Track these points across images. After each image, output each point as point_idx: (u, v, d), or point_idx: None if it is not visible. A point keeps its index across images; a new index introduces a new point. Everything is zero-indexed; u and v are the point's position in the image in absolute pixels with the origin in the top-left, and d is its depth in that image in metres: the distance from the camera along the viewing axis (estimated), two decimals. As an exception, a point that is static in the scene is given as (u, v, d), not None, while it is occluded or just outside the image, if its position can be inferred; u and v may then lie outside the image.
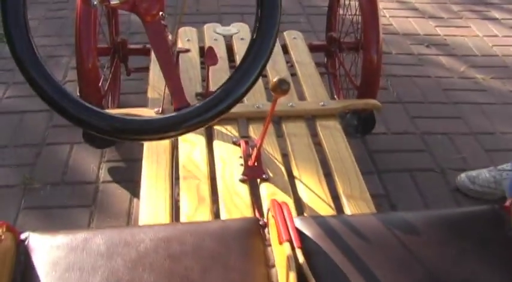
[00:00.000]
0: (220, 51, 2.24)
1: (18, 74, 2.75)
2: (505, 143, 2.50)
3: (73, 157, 2.31)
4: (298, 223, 1.19)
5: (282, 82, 1.30)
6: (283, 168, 1.68)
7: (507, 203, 1.25)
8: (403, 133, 2.54)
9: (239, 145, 1.74)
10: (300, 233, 1.14)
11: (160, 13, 1.22)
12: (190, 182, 1.62)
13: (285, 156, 1.75)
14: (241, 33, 2.42)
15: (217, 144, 1.77)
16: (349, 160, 1.74)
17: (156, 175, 1.64)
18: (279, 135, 1.85)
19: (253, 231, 1.20)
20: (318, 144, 1.82)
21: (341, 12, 2.54)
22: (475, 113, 2.71)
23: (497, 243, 1.19)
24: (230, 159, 1.70)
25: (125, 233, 1.18)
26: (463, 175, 2.23)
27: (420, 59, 3.14)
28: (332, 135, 1.85)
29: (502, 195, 2.14)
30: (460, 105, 2.76)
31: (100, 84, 2.11)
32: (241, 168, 1.65)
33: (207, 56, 1.81)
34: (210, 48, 1.82)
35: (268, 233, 1.20)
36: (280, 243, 1.08)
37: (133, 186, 2.10)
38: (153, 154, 1.72)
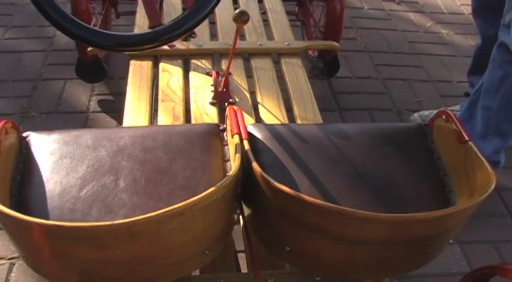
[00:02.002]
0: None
1: (16, 18, 3.05)
2: (460, 90, 2.75)
3: (66, 91, 2.56)
4: (251, 128, 1.44)
5: (242, 13, 1.54)
6: (248, 95, 1.94)
7: (430, 121, 1.50)
8: (366, 78, 2.80)
9: (211, 75, 1.99)
10: (250, 135, 1.40)
11: None
12: (167, 104, 1.87)
13: (251, 85, 2.00)
14: (221, -18, 2.65)
15: (192, 74, 2.02)
16: (307, 91, 1.99)
17: (138, 97, 1.89)
18: (248, 69, 2.09)
19: (214, 133, 1.45)
20: (281, 78, 2.07)
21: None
22: (436, 63, 2.97)
23: (418, 151, 1.44)
24: (203, 86, 1.95)
25: (108, 132, 1.44)
26: (415, 114, 2.49)
27: (390, 14, 3.39)
28: (294, 70, 2.10)
29: None
30: (422, 56, 3.01)
31: (92, 24, 2.35)
32: (212, 94, 1.91)
33: None
34: None
35: (226, 135, 1.46)
36: (232, 136, 1.34)
37: (119, 116, 2.34)
38: (136, 81, 1.97)
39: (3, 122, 1.32)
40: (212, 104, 1.87)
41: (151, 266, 1.15)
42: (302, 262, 1.26)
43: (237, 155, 1.24)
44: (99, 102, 2.50)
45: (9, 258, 1.87)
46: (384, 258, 1.21)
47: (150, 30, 1.45)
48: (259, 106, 1.89)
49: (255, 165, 1.21)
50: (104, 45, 1.44)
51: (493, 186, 1.18)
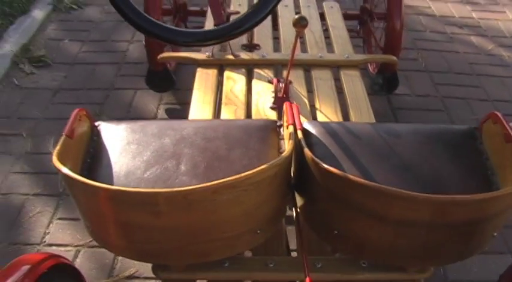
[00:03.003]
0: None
1: (92, 34, 3.26)
2: (518, 112, 2.78)
3: (136, 99, 2.72)
4: (306, 125, 1.53)
5: (301, 18, 1.63)
6: (307, 102, 2.03)
7: (480, 124, 1.56)
8: (425, 96, 2.85)
9: (273, 83, 2.10)
10: (305, 130, 1.48)
11: None
12: (229, 107, 1.99)
13: (310, 93, 2.09)
14: (285, 1, 2.78)
15: (255, 82, 2.13)
16: (364, 101, 2.06)
17: (203, 100, 2.01)
18: (308, 79, 2.19)
19: (271, 128, 1.54)
20: (339, 88, 2.16)
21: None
22: (496, 84, 2.99)
23: (466, 151, 1.50)
24: (264, 93, 2.06)
25: (173, 123, 1.56)
26: None
27: (452, 38, 3.44)
28: (352, 81, 2.18)
29: None
30: (482, 77, 3.05)
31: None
32: (272, 100, 2.01)
33: None
34: None
35: (282, 130, 1.55)
36: (287, 127, 1.43)
37: (185, 123, 2.49)
38: (202, 86, 2.10)
39: (77, 110, 1.45)
40: (272, 108, 1.97)
41: (205, 240, 1.24)
42: (349, 246, 1.33)
43: (290, 141, 1.33)
44: (166, 110, 2.65)
45: (75, 246, 2.00)
46: (429, 244, 1.26)
47: (215, 28, 1.56)
48: (317, 112, 1.98)
49: (306, 151, 1.29)
50: (172, 40, 1.56)
51: None
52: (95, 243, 1.96)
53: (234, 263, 1.45)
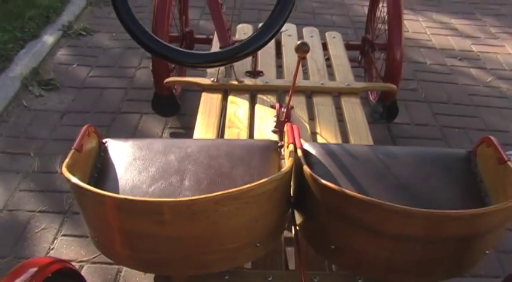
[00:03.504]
0: (270, 42, 2.68)
1: (100, 59, 3.35)
2: (516, 141, 2.84)
3: (142, 123, 2.79)
4: (306, 146, 1.59)
5: (303, 44, 1.70)
6: (308, 126, 2.09)
7: (474, 148, 1.62)
8: (424, 125, 2.92)
9: (275, 108, 2.16)
10: (304, 150, 1.54)
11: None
12: (232, 130, 2.05)
13: (311, 119, 2.16)
14: (289, 31, 2.86)
15: (258, 107, 2.20)
16: (363, 126, 2.12)
17: (207, 123, 2.08)
18: (309, 105, 2.26)
19: (272, 148, 1.61)
20: (340, 115, 2.22)
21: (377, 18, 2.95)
22: (494, 114, 3.06)
23: (461, 174, 1.55)
24: (267, 117, 2.12)
25: (178, 141, 1.62)
26: None
27: (451, 70, 3.52)
28: (352, 107, 2.25)
29: None
30: (480, 108, 3.11)
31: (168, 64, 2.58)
32: (274, 124, 2.07)
33: None
34: None
35: (283, 151, 1.61)
36: (287, 146, 1.49)
37: (189, 146, 2.55)
38: (206, 110, 2.16)
39: (87, 126, 1.51)
40: (274, 132, 2.03)
41: (206, 251, 1.30)
42: (345, 260, 1.38)
43: (290, 158, 1.39)
44: (171, 134, 2.71)
45: (79, 261, 2.04)
46: (423, 259, 1.32)
47: (221, 50, 1.64)
48: (318, 136, 2.04)
49: (305, 168, 1.35)
50: (181, 62, 1.64)
51: None
52: (98, 259, 2.03)
53: (234, 276, 1.50)
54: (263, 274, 1.53)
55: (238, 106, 2.20)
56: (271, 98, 2.26)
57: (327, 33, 2.89)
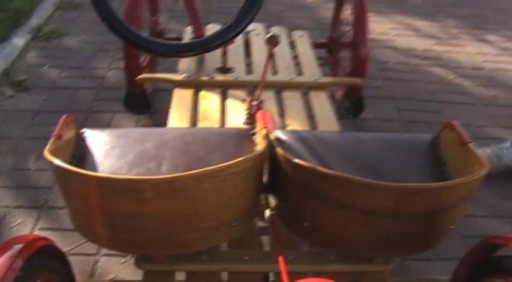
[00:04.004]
0: (239, 41, 2.75)
1: (71, 61, 3.37)
2: (479, 133, 2.94)
3: (114, 122, 2.83)
4: (278, 132, 1.66)
5: (273, 36, 1.77)
6: (278, 118, 2.16)
7: (438, 133, 1.70)
8: (390, 120, 3.01)
9: (246, 102, 2.23)
10: (277, 137, 1.61)
11: None
12: (205, 123, 2.11)
13: (282, 113, 2.22)
14: (257, 30, 2.93)
15: (229, 101, 2.26)
16: (332, 118, 2.20)
17: (180, 116, 2.13)
18: (279, 100, 2.32)
19: (245, 135, 1.67)
20: (308, 107, 2.29)
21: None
22: (457, 110, 3.17)
23: (426, 157, 1.63)
24: (238, 110, 2.19)
25: (154, 130, 1.67)
26: None
27: (415, 68, 3.63)
28: (321, 101, 2.32)
29: (504, 170, 2.61)
30: (443, 104, 3.22)
31: (141, 61, 2.63)
32: (246, 117, 2.13)
33: None
34: None
35: (256, 138, 1.67)
36: (260, 130, 1.56)
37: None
38: (179, 104, 2.22)
39: (65, 116, 1.56)
40: (246, 124, 2.09)
41: (186, 229, 1.35)
42: (319, 237, 1.45)
43: (264, 141, 1.46)
44: (144, 131, 2.75)
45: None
46: (393, 234, 1.39)
47: (195, 40, 1.70)
48: (288, 128, 2.11)
49: (278, 149, 1.42)
50: (157, 52, 1.69)
51: (485, 171, 1.37)
52: (74, 251, 2.06)
53: (211, 256, 1.56)
54: (240, 254, 1.58)
55: (210, 101, 2.26)
56: (242, 93, 2.33)
57: (294, 32, 2.97)
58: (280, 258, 1.45)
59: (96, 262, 2.04)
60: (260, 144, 1.52)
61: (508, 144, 2.66)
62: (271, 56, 1.76)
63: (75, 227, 1.47)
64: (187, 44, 1.73)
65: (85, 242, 2.02)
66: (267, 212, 1.66)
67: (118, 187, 1.27)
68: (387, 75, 3.48)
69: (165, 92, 2.95)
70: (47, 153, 1.35)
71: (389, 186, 1.29)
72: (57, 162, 1.31)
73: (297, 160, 1.35)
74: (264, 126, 1.54)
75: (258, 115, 1.65)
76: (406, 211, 1.35)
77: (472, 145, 1.51)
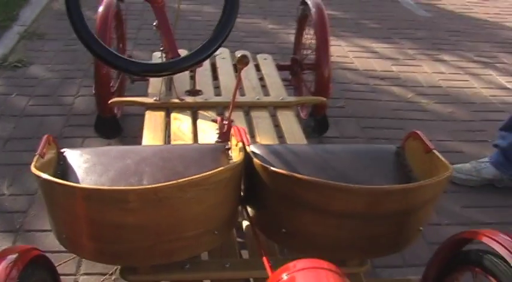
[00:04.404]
0: (206, 65, 2.83)
1: (38, 89, 3.41)
2: (440, 148, 3.00)
3: (84, 146, 2.86)
4: (252, 147, 1.73)
5: (243, 56, 1.86)
6: (248, 137, 2.23)
7: (402, 143, 1.80)
8: (353, 137, 3.12)
9: (217, 121, 2.30)
10: (252, 151, 1.69)
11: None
12: (178, 142, 2.17)
13: (251, 131, 2.29)
14: (223, 54, 3.02)
15: (200, 121, 2.33)
16: (300, 135, 2.28)
17: (152, 138, 2.19)
18: (248, 120, 2.40)
19: (221, 150, 1.74)
20: (276, 126, 2.37)
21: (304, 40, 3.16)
22: (417, 126, 3.26)
23: (393, 166, 1.73)
24: (209, 130, 2.26)
25: (133, 147, 1.74)
26: None
27: (374, 88, 3.76)
28: (288, 118, 2.41)
29: (483, 182, 2.75)
30: (404, 121, 3.35)
31: (111, 86, 2.69)
32: (217, 135, 2.21)
33: None
34: None
35: (231, 153, 1.75)
36: (236, 144, 1.63)
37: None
38: (151, 126, 2.28)
39: (46, 136, 1.62)
40: (217, 142, 2.16)
41: (170, 239, 1.41)
42: (296, 243, 1.52)
43: (241, 153, 1.54)
44: (115, 155, 2.80)
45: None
46: (366, 235, 1.48)
47: (172, 60, 1.77)
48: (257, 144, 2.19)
49: (255, 160, 1.50)
50: (133, 72, 1.76)
51: (450, 173, 1.47)
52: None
53: (194, 265, 1.61)
54: (221, 262, 1.65)
55: (181, 122, 2.33)
56: (212, 114, 2.40)
57: (258, 56, 3.06)
58: (264, 259, 1.51)
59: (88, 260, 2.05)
60: (237, 156, 1.60)
61: (487, 159, 2.80)
62: (239, 78, 1.84)
63: (60, 241, 1.51)
64: (176, 61, 1.81)
65: (65, 262, 2.05)
66: (244, 223, 1.73)
67: (104, 198, 1.33)
68: (349, 96, 3.60)
69: (133, 116, 3.04)
70: (33, 169, 1.41)
71: (361, 189, 1.38)
72: (45, 176, 1.37)
73: (274, 168, 1.43)
74: (240, 139, 1.62)
75: (233, 131, 1.72)
76: (377, 213, 1.43)
77: (436, 151, 1.61)
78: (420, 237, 1.78)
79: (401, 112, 3.45)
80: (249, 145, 1.62)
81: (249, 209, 1.65)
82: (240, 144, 1.59)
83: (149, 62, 1.82)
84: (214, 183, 1.39)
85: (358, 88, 3.74)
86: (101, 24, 2.60)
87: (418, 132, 1.73)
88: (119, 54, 1.75)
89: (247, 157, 1.56)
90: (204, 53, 1.77)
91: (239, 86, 2.01)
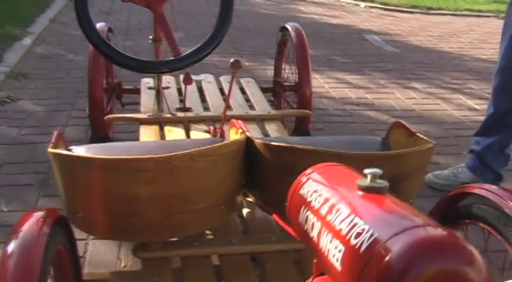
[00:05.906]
0: (194, 88, 2.98)
1: (28, 121, 3.51)
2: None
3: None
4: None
5: (237, 61, 2.01)
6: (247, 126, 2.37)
7: (386, 134, 1.95)
8: (335, 154, 3.25)
9: (209, 132, 2.43)
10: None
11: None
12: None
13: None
14: (208, 78, 3.18)
15: (193, 133, 2.46)
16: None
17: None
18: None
19: (219, 142, 1.87)
20: (266, 135, 2.51)
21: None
22: (393, 144, 3.45)
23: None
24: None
25: (137, 143, 1.87)
26: (429, 174, 2.95)
27: (351, 113, 3.94)
28: (276, 128, 2.56)
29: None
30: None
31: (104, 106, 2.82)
32: (210, 143, 2.34)
33: (185, 78, 2.54)
34: (187, 73, 2.55)
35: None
36: (236, 132, 1.76)
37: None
38: (146, 138, 2.40)
39: (57, 131, 1.73)
40: (213, 143, 2.29)
41: (181, 210, 1.52)
42: None
43: (242, 135, 1.67)
44: (108, 174, 2.90)
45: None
46: None
47: (173, 58, 1.92)
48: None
49: (256, 140, 1.63)
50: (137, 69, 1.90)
51: (433, 145, 1.62)
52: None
53: (202, 242, 1.72)
54: (228, 238, 1.76)
55: (175, 133, 2.45)
56: (204, 127, 2.53)
57: (241, 79, 3.22)
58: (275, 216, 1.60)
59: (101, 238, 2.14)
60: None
61: (463, 164, 2.97)
62: (232, 82, 1.98)
63: (74, 222, 1.60)
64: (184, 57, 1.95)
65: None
66: (244, 211, 1.84)
67: (122, 167, 1.44)
68: (327, 120, 3.77)
69: (126, 134, 3.16)
70: (50, 150, 1.51)
71: (358, 154, 1.51)
72: (63, 152, 1.48)
73: (276, 143, 1.56)
74: (239, 127, 1.75)
75: (231, 123, 1.86)
76: None
77: (419, 134, 1.76)
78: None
79: (378, 132, 3.60)
80: (248, 131, 1.75)
81: (251, 190, 1.76)
82: (241, 130, 1.72)
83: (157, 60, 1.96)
84: (222, 155, 1.51)
85: (336, 113, 3.92)
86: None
87: (401, 121, 1.88)
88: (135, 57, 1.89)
89: (248, 140, 1.69)
90: (204, 52, 1.92)
91: (233, 90, 2.15)
